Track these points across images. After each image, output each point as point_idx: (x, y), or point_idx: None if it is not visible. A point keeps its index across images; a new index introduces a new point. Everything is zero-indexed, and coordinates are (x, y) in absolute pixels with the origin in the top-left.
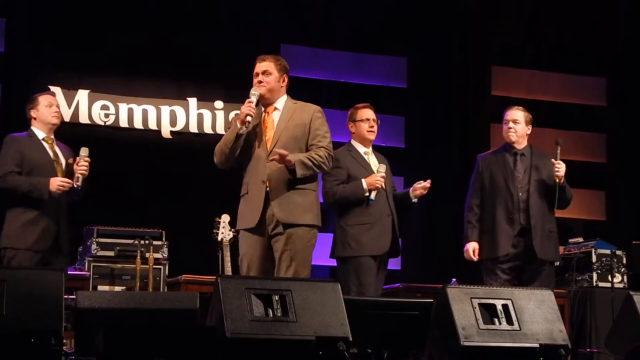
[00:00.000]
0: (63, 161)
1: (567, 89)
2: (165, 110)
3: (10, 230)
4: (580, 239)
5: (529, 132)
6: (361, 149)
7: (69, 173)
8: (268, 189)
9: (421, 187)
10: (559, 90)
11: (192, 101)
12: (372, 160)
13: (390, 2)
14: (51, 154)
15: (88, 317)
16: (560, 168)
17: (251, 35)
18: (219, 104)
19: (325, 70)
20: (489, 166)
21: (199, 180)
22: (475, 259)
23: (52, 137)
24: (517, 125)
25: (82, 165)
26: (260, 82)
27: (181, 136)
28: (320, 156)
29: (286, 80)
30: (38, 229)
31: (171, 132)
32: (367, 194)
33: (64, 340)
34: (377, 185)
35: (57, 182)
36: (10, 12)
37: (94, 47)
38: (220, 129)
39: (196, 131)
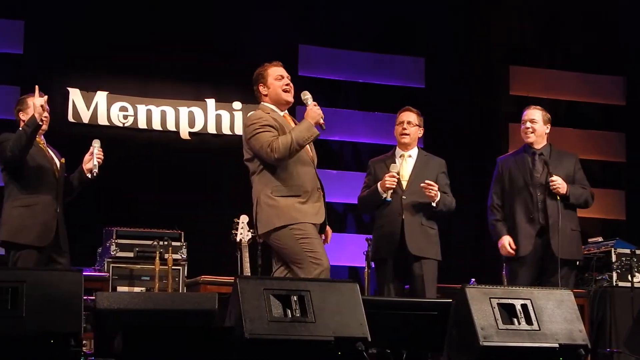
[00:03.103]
0: (57, 162)
1: (586, 88)
2: (184, 111)
3: (9, 223)
4: (600, 239)
5: (547, 131)
6: (398, 152)
7: (65, 176)
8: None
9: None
10: (577, 90)
11: (211, 102)
12: (407, 164)
13: (408, 3)
14: (46, 154)
15: (107, 318)
16: (555, 182)
17: (269, 36)
18: (237, 104)
19: (343, 70)
20: (509, 167)
21: (217, 181)
22: (512, 252)
23: (43, 139)
24: (535, 124)
25: (98, 154)
26: (288, 84)
27: (199, 137)
28: None
29: None
30: (37, 224)
31: (190, 133)
32: (384, 195)
33: (84, 341)
34: (387, 185)
35: (37, 109)
36: (29, 15)
37: (113, 49)
38: (238, 130)
39: (214, 132)
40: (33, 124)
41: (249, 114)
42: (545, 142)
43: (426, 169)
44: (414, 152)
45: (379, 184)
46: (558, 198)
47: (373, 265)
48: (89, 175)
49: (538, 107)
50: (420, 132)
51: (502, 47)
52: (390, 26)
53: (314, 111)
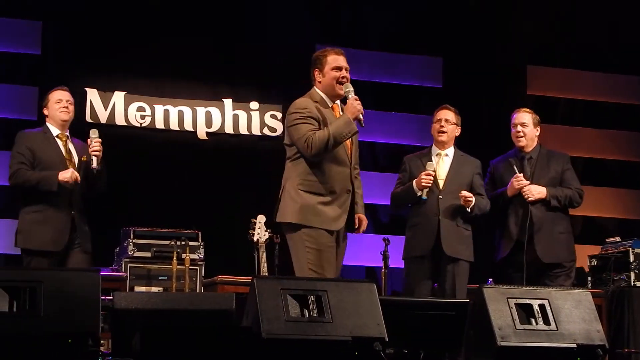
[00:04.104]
0: (76, 158)
1: (604, 87)
2: (201, 111)
3: (22, 229)
4: (618, 238)
5: (537, 133)
6: (435, 150)
7: (85, 170)
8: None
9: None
10: (596, 89)
11: (228, 102)
12: (444, 162)
13: (426, 2)
14: (64, 150)
15: (125, 318)
16: (527, 192)
17: (286, 35)
18: (254, 104)
19: (360, 70)
20: (500, 172)
21: (234, 181)
22: (524, 182)
23: (67, 133)
24: (526, 128)
25: (94, 145)
26: (344, 77)
27: (217, 137)
28: None
29: None
30: (50, 229)
31: (207, 133)
32: (419, 193)
33: (101, 341)
34: (423, 183)
35: (66, 173)
36: (46, 16)
37: (130, 49)
38: (255, 130)
39: (232, 132)
40: (47, 186)
41: (295, 101)
42: (535, 144)
43: (462, 169)
44: (450, 151)
45: (414, 182)
46: (538, 203)
47: (403, 264)
48: (92, 168)
49: (527, 109)
50: (457, 130)
51: (520, 46)
52: (407, 25)
53: (354, 106)
